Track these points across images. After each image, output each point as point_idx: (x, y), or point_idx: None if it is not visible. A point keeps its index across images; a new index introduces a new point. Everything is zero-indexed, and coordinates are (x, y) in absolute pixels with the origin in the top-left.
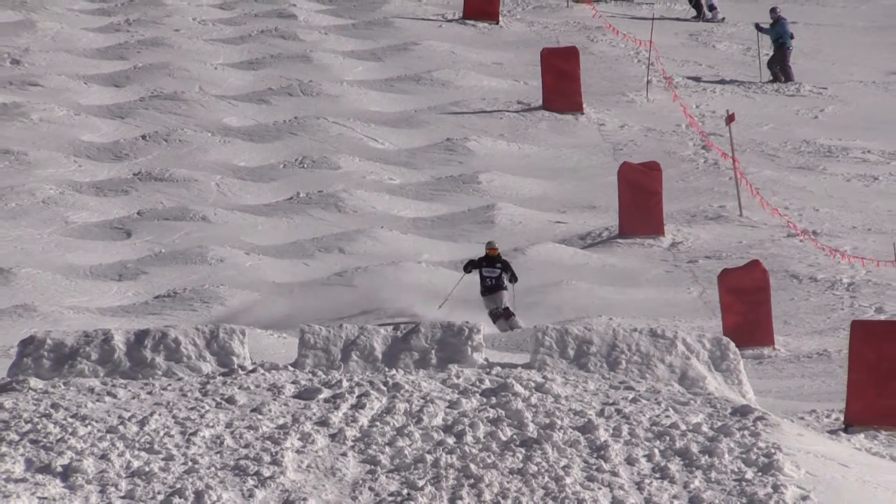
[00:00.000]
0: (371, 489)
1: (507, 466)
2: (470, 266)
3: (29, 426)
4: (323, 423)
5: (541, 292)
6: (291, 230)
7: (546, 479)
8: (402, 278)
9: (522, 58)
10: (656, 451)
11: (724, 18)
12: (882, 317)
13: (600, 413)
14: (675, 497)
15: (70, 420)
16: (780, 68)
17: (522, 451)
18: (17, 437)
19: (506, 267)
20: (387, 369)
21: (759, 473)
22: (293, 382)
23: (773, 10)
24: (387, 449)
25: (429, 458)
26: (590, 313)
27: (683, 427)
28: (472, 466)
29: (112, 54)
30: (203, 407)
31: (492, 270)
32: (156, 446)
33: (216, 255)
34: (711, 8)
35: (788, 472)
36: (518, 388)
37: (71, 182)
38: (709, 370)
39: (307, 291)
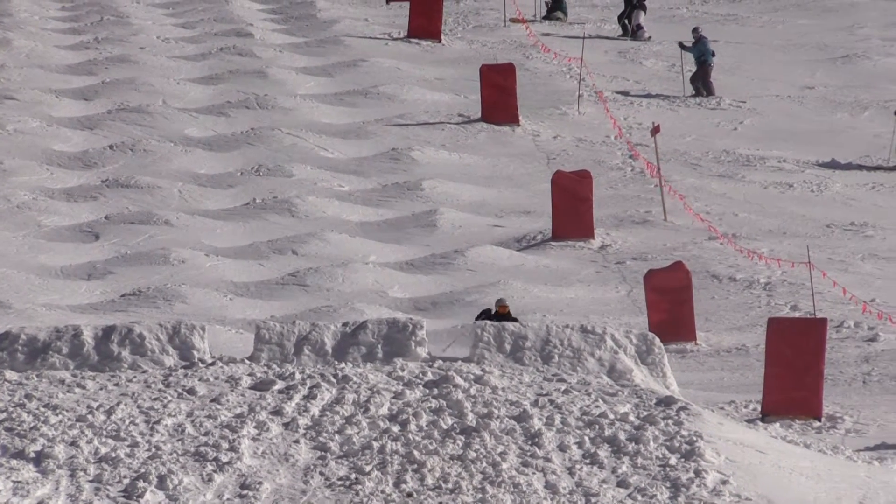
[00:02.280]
0: (322, 474)
1: (448, 453)
2: None
3: (4, 415)
4: (277, 412)
5: (479, 291)
6: (248, 233)
7: (484, 464)
8: (351, 278)
9: (463, 73)
10: (586, 438)
11: (649, 37)
12: (796, 314)
13: (535, 403)
14: (603, 481)
15: (42, 409)
16: (701, 83)
17: (462, 438)
18: None
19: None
20: (336, 363)
21: (682, 459)
22: (249, 375)
23: (695, 30)
24: (336, 436)
25: (375, 445)
26: (525, 311)
27: (612, 416)
28: (416, 453)
29: (82, 70)
30: (166, 397)
31: None
32: (122, 434)
33: (178, 256)
34: (638, 27)
35: (709, 459)
36: (458, 380)
37: (44, 188)
38: (635, 364)
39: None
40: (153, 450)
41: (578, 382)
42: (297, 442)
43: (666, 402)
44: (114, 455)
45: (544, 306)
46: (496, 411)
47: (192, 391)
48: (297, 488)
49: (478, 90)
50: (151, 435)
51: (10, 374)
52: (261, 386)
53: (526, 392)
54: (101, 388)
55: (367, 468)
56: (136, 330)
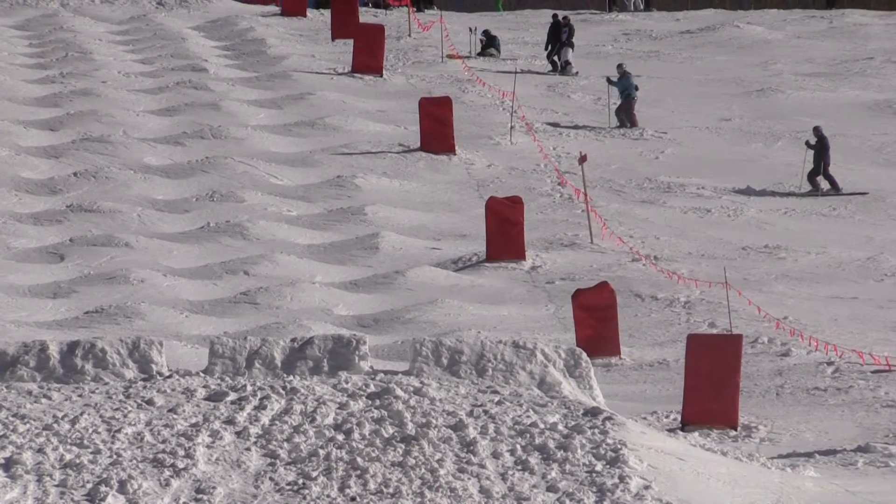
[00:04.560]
0: (271, 479)
1: (389, 460)
2: None
3: None
4: (230, 421)
5: (418, 309)
6: (203, 255)
7: (423, 470)
8: (299, 297)
9: (403, 106)
10: (518, 446)
11: (577, 73)
12: (714, 331)
13: (470, 414)
14: (534, 486)
15: (11, 419)
16: (626, 116)
17: (402, 446)
18: None
19: None
20: (285, 376)
21: (608, 466)
22: (204, 387)
23: (619, 66)
24: (285, 444)
25: (321, 452)
26: (461, 327)
27: (542, 426)
28: (359, 460)
29: (48, 102)
30: (126, 408)
31: None
32: (85, 441)
33: (138, 276)
34: (566, 63)
35: (633, 465)
36: (399, 392)
37: (12, 213)
38: (564, 377)
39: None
40: (114, 457)
41: (511, 394)
42: (248, 449)
43: (592, 412)
44: (78, 461)
45: (479, 323)
46: (434, 421)
47: (150, 402)
48: (249, 492)
49: (417, 121)
50: (113, 443)
51: None
52: (214, 397)
53: (462, 403)
54: (66, 399)
55: (314, 474)
56: (98, 345)
